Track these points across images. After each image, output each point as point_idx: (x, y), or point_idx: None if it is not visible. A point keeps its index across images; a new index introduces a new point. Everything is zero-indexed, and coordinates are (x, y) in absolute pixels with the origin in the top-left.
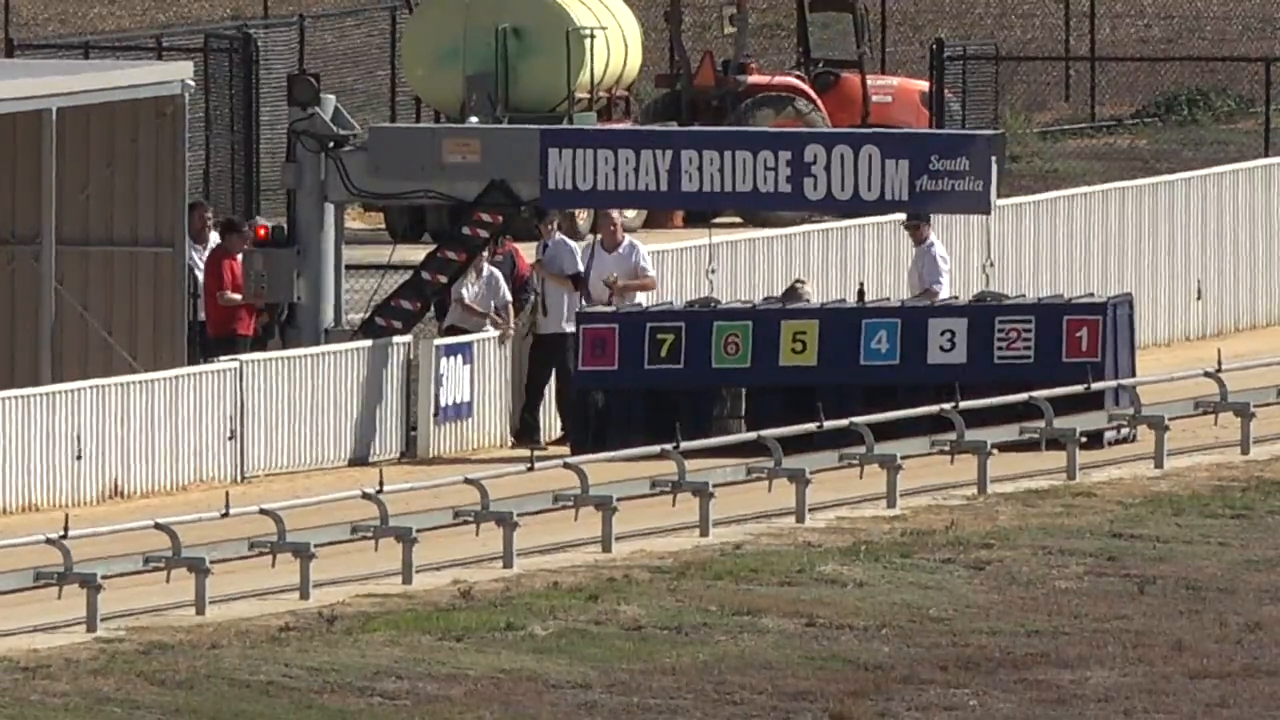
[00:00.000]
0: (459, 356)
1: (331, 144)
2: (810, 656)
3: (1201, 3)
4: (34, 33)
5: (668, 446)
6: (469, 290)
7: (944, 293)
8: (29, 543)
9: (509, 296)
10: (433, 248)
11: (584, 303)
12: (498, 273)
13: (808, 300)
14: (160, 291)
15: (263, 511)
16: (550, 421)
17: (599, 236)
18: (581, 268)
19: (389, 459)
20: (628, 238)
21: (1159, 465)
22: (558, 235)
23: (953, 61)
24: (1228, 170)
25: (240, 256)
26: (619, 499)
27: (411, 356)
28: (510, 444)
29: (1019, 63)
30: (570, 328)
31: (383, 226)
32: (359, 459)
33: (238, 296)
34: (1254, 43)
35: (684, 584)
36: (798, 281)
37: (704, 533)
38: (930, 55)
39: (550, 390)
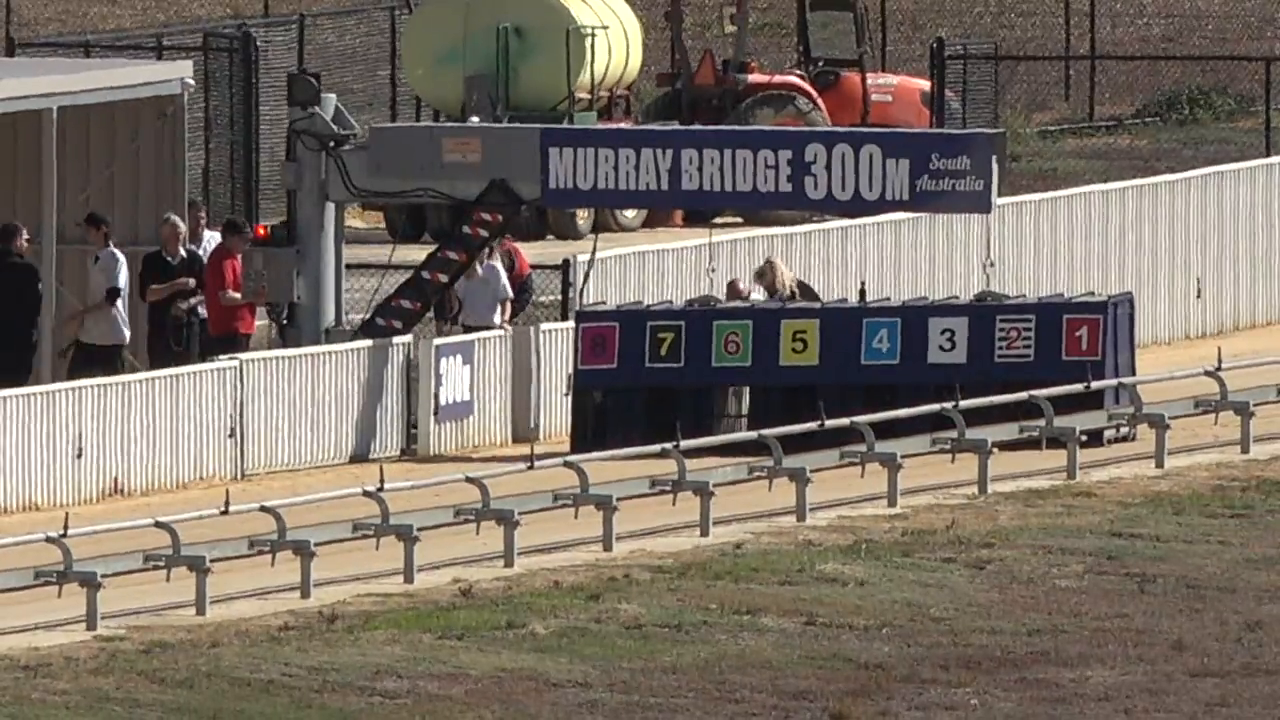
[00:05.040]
0: (459, 356)
1: (332, 143)
2: (810, 655)
3: (1202, 2)
4: (34, 32)
5: (668, 445)
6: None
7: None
8: (29, 541)
9: (509, 292)
10: (433, 247)
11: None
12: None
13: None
14: None
15: (263, 509)
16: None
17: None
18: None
19: (389, 457)
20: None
21: (1159, 464)
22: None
23: (953, 60)
24: (1228, 170)
25: (241, 256)
26: (619, 498)
27: (412, 356)
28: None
29: (1019, 62)
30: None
31: (383, 226)
32: (359, 457)
33: (239, 295)
34: (1254, 42)
35: (684, 583)
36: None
37: (704, 532)
38: (930, 54)
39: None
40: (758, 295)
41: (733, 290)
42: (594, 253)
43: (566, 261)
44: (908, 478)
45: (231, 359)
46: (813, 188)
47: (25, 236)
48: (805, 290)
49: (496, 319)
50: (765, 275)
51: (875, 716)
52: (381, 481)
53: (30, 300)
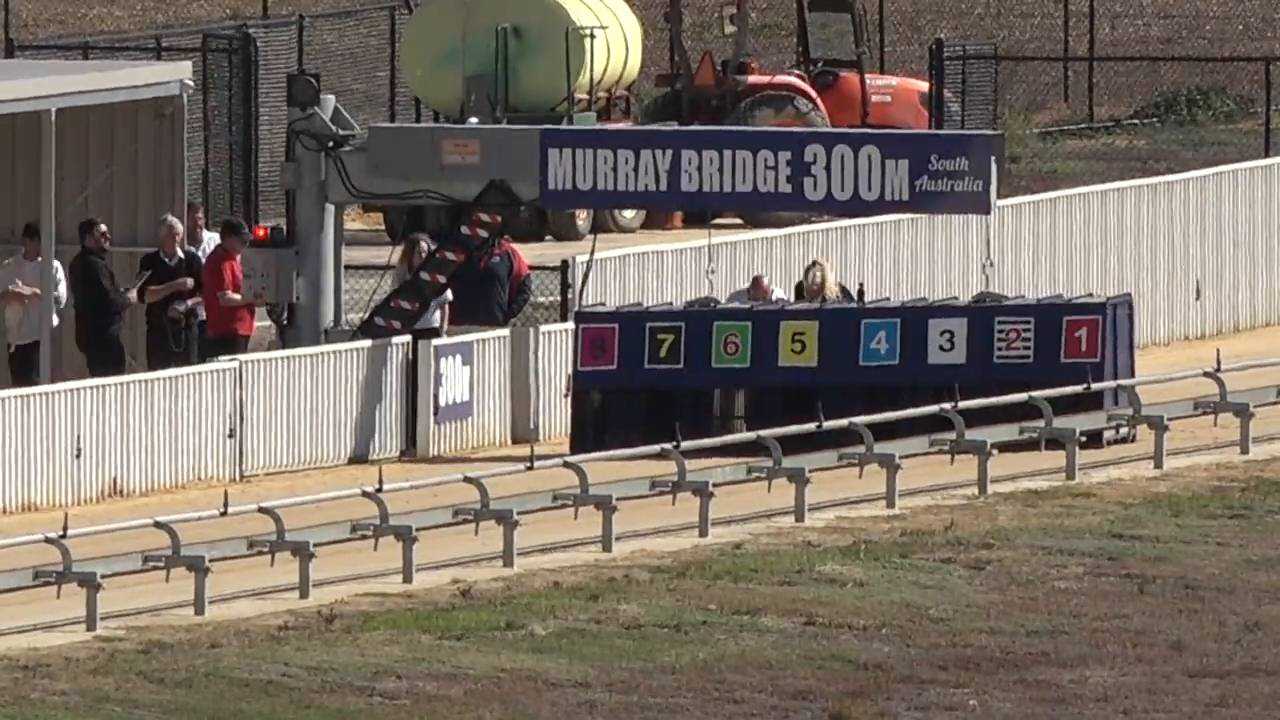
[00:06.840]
0: (458, 356)
1: (331, 144)
2: (810, 656)
3: (1201, 2)
4: (34, 33)
5: (668, 446)
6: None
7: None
8: (28, 542)
9: (449, 295)
10: (432, 248)
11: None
12: None
13: (818, 283)
14: None
15: (262, 510)
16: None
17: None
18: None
19: (389, 458)
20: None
21: (1158, 465)
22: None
23: (952, 61)
24: (1228, 170)
25: (240, 257)
26: (619, 498)
27: (411, 356)
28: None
29: (1018, 63)
30: None
31: (382, 227)
32: (359, 458)
33: (238, 296)
34: (1254, 43)
35: (684, 583)
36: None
37: (704, 532)
38: (929, 55)
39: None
40: (779, 293)
41: (756, 286)
42: (593, 254)
43: (565, 262)
44: (906, 478)
45: (231, 360)
46: (812, 188)
47: (103, 230)
48: (843, 293)
49: (436, 321)
50: (813, 276)
51: (875, 717)
52: (380, 482)
53: (111, 292)
